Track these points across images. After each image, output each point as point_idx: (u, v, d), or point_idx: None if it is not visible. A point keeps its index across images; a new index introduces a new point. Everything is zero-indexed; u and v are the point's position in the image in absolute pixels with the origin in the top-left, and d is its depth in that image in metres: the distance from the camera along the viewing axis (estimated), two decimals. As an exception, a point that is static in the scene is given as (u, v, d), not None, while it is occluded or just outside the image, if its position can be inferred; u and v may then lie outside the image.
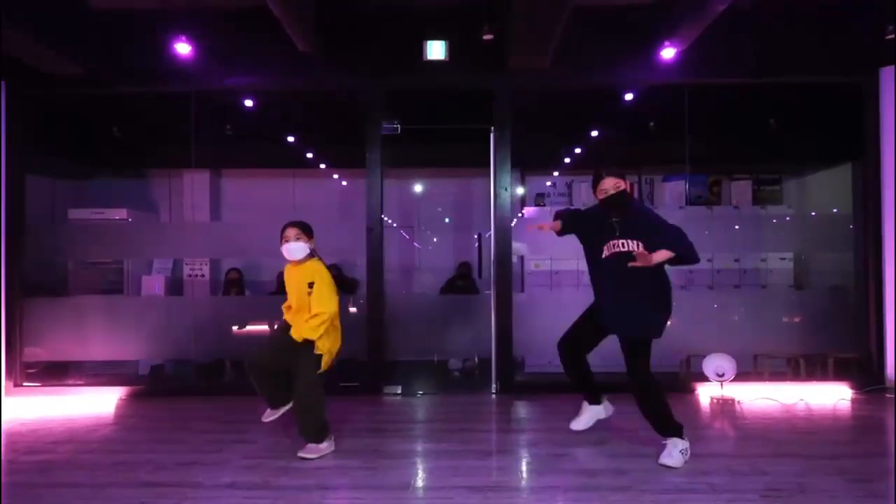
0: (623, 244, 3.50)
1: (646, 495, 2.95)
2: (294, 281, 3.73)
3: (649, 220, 3.62)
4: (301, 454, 3.55)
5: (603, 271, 3.62)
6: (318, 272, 3.70)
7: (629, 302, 3.51)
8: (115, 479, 3.25)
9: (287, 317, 3.80)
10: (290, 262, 3.77)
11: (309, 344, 3.61)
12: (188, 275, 7.76)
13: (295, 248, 3.68)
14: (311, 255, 3.78)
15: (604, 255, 3.58)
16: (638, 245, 3.46)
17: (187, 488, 3.08)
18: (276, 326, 3.94)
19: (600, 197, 3.61)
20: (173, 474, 3.31)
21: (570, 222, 3.86)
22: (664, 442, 3.50)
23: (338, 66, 5.56)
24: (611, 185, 3.56)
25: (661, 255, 3.40)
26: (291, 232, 3.70)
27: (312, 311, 3.59)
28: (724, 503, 2.88)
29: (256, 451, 3.73)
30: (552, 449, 3.73)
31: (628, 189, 3.71)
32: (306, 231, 3.74)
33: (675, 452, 3.42)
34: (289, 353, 3.65)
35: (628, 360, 3.57)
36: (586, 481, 3.16)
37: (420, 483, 3.18)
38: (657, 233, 3.51)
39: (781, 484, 3.09)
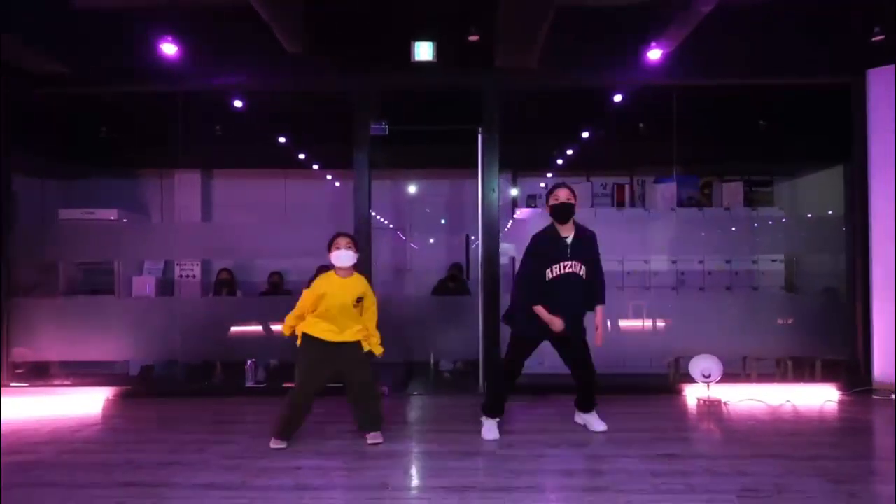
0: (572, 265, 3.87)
1: (622, 496, 2.94)
2: (342, 292, 3.85)
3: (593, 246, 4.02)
4: (374, 441, 3.88)
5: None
6: (367, 288, 4.01)
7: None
8: (93, 479, 3.24)
9: (328, 332, 3.85)
10: (337, 270, 3.92)
11: (365, 353, 3.95)
12: (179, 275, 7.76)
13: (346, 256, 3.86)
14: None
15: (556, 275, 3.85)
16: (581, 268, 3.88)
17: (165, 488, 3.08)
18: (309, 354, 3.93)
19: (552, 203, 3.90)
20: (152, 474, 3.30)
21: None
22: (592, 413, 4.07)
23: (325, 66, 5.56)
24: (564, 195, 3.87)
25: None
26: (343, 241, 3.88)
27: (371, 328, 3.99)
28: (701, 504, 2.87)
29: (237, 451, 3.72)
30: (533, 449, 3.72)
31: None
32: (356, 242, 3.97)
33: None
34: (337, 366, 3.89)
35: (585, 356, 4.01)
36: (564, 482, 3.16)
37: (398, 484, 3.17)
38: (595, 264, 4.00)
39: (760, 485, 3.08)
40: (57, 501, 2.93)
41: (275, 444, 3.82)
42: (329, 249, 3.92)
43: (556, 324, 3.79)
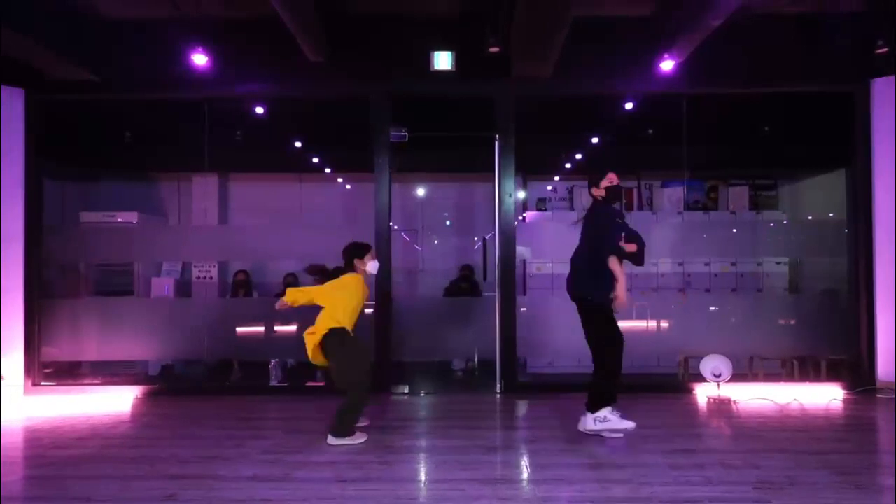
0: None
1: (645, 487, 3.13)
2: (364, 295, 4.28)
3: None
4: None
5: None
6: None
7: None
8: (141, 472, 3.42)
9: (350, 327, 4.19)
10: (367, 277, 4.34)
11: None
12: (197, 277, 7.90)
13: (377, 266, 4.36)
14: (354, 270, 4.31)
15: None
16: None
17: (212, 480, 3.25)
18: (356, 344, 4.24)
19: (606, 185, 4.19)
20: (197, 467, 3.48)
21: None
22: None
23: (346, 74, 5.74)
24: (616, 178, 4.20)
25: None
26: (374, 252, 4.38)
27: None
28: (718, 494, 3.05)
29: (273, 446, 3.90)
30: (555, 444, 3.91)
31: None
32: None
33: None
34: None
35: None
36: (590, 474, 3.34)
37: (431, 476, 3.35)
38: None
39: (772, 477, 3.27)
40: (115, 492, 3.11)
41: (357, 440, 3.99)
42: (363, 257, 4.31)
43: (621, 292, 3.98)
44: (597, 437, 4.05)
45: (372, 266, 4.30)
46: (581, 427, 4.09)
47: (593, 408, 4.05)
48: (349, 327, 4.11)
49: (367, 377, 4.07)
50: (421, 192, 8.66)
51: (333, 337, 4.03)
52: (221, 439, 4.08)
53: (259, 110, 6.54)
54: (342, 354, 4.02)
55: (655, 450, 3.76)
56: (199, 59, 5.03)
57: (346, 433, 3.95)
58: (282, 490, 3.11)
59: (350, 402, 3.99)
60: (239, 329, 6.01)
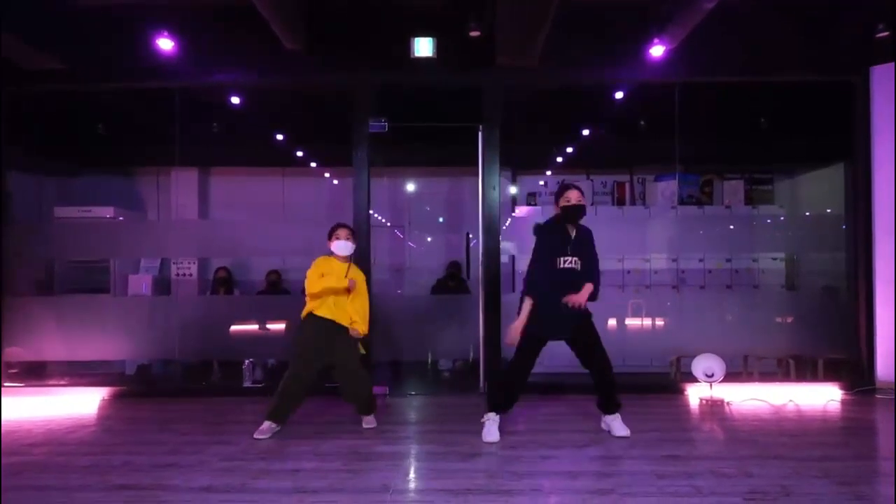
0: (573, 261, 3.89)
1: (628, 498, 2.89)
2: (339, 274, 4.17)
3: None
4: (368, 425, 4.27)
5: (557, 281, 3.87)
6: (362, 277, 4.33)
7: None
8: (87, 481, 3.17)
9: (325, 310, 4.13)
10: (337, 257, 4.25)
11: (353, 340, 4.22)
12: (176, 274, 7.67)
13: (344, 246, 4.23)
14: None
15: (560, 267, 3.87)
16: (578, 263, 3.88)
17: (161, 491, 3.01)
18: (307, 332, 4.18)
19: (563, 205, 3.91)
20: (148, 476, 3.24)
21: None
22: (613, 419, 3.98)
23: (324, 63, 5.49)
24: (575, 197, 3.88)
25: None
26: (343, 232, 4.26)
27: (363, 312, 4.26)
28: (707, 506, 2.82)
29: (235, 452, 3.67)
30: (536, 451, 3.67)
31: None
32: (354, 234, 4.35)
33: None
34: (331, 351, 4.14)
35: (598, 345, 3.93)
36: (569, 484, 3.10)
37: (399, 486, 3.12)
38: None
39: (766, 486, 3.04)
40: (51, 505, 2.87)
41: (259, 435, 3.96)
42: (329, 238, 4.27)
43: (512, 332, 3.84)
44: (579, 442, 3.84)
45: (335, 247, 4.23)
46: (621, 433, 3.95)
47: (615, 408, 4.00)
48: (317, 311, 4.13)
49: (293, 370, 4.09)
50: (409, 187, 8.43)
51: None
52: (183, 445, 3.84)
53: (236, 101, 6.29)
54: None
55: (642, 456, 3.53)
56: (166, 46, 4.80)
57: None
58: (235, 503, 2.87)
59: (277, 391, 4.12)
60: (220, 328, 5.77)
